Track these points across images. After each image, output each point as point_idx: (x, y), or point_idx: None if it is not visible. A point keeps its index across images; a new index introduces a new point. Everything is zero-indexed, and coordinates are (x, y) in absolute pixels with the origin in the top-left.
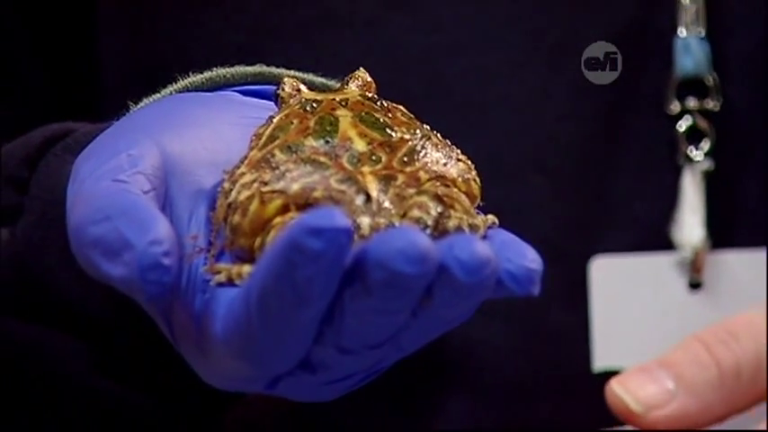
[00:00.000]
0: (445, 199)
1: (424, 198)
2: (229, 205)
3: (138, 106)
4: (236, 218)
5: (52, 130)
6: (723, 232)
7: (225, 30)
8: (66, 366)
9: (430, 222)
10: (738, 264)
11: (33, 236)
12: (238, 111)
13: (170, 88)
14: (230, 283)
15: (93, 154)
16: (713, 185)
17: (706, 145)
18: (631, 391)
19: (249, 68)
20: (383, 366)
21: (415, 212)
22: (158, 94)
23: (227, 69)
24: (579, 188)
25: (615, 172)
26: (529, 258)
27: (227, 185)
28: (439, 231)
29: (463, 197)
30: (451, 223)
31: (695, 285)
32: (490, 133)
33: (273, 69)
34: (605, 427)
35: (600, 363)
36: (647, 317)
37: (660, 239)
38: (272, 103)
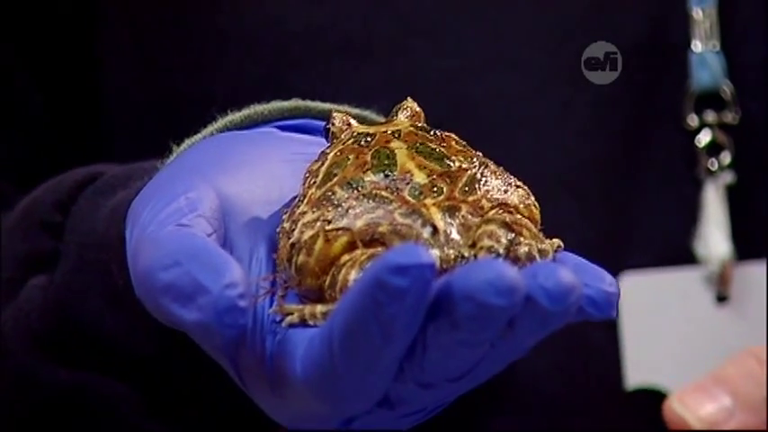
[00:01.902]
0: (513, 226)
1: (492, 226)
2: (293, 245)
3: (182, 147)
4: (302, 257)
5: (81, 173)
6: (746, 244)
7: (244, 62)
8: (114, 410)
9: (501, 250)
10: (763, 276)
11: (73, 281)
12: (285, 147)
13: (210, 128)
14: (303, 323)
15: (150, 198)
16: (734, 198)
17: (726, 158)
18: (691, 410)
19: (285, 104)
20: (457, 395)
21: (486, 241)
22: (200, 135)
23: (265, 106)
24: (604, 205)
25: (636, 188)
26: (607, 282)
27: (287, 225)
28: (510, 259)
29: (529, 223)
30: (522, 250)
31: (722, 298)
32: (515, 155)
33: (309, 103)
34: None
35: (633, 379)
36: (676, 332)
37: (683, 254)
38: (313, 137)
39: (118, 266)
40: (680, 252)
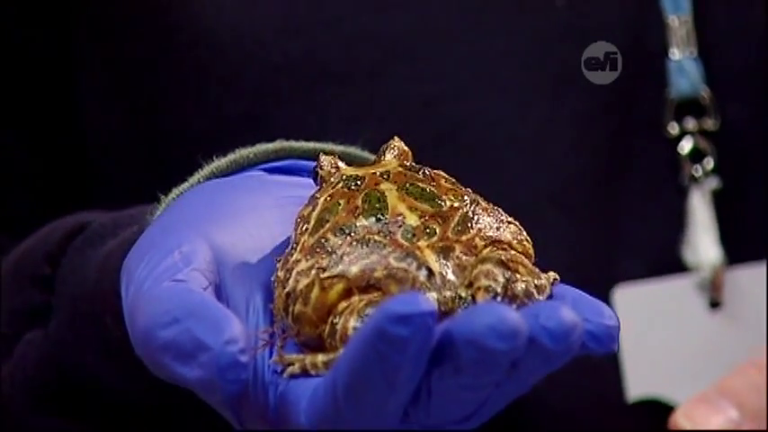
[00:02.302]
0: (509, 263)
1: (488, 265)
2: (288, 294)
3: (170, 197)
4: (299, 307)
5: (70, 223)
6: (736, 249)
7: (224, 99)
8: None
9: (499, 290)
10: (754, 279)
11: (67, 334)
12: (274, 192)
13: (197, 176)
14: (304, 373)
15: (143, 254)
16: (721, 203)
17: (709, 164)
18: (698, 424)
19: (270, 145)
20: None
21: (483, 281)
22: (187, 183)
23: (249, 149)
24: (591, 218)
25: (623, 199)
26: (606, 316)
27: (281, 274)
28: (508, 297)
29: (524, 259)
30: (519, 287)
31: (715, 304)
32: (499, 174)
33: (294, 143)
34: None
35: (633, 390)
36: (672, 340)
37: (672, 262)
38: (301, 178)
39: (112, 318)
40: (669, 260)
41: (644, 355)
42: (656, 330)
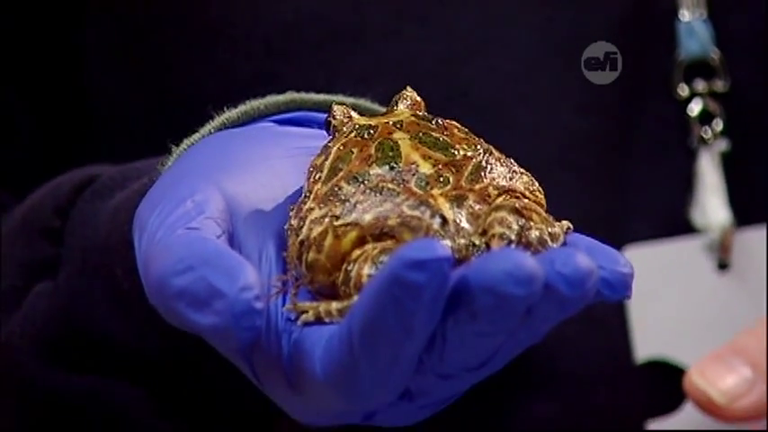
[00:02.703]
0: (523, 211)
1: (503, 213)
2: (302, 243)
3: (181, 147)
4: (312, 255)
5: (78, 177)
6: (744, 211)
7: (236, 57)
8: (125, 413)
9: (513, 237)
10: (762, 241)
11: (77, 286)
12: (285, 142)
13: (208, 126)
14: (318, 321)
15: (155, 203)
16: (729, 165)
17: (718, 126)
18: (712, 383)
19: (281, 97)
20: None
21: (498, 228)
22: (198, 134)
23: (260, 101)
24: (600, 179)
25: (631, 160)
26: (621, 263)
27: (294, 222)
28: (522, 244)
29: (538, 207)
30: (533, 234)
31: (723, 266)
32: (510, 133)
33: (304, 96)
34: (657, 413)
35: (641, 351)
36: (680, 302)
37: (681, 223)
38: (312, 129)
39: (123, 269)
40: (678, 222)
41: (652, 317)
42: (665, 292)
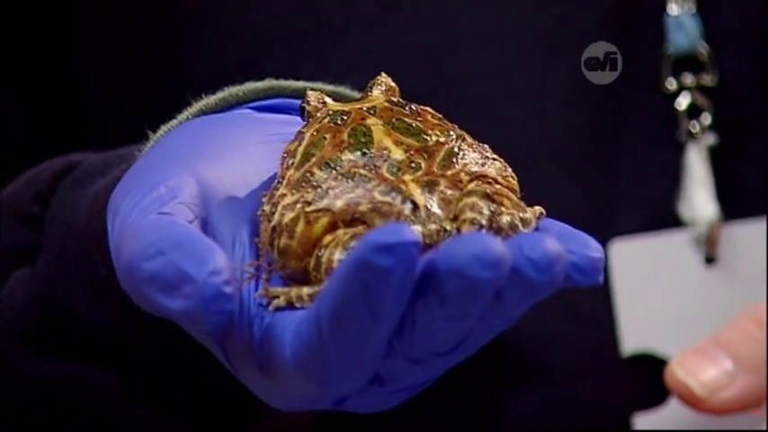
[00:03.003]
0: (494, 196)
1: (474, 198)
2: (274, 228)
3: (158, 134)
4: (284, 240)
5: (59, 164)
6: (732, 205)
7: (224, 48)
8: (102, 398)
9: (484, 222)
10: (750, 235)
11: (56, 272)
12: (261, 128)
13: (186, 113)
14: (290, 306)
15: (129, 188)
16: (717, 159)
17: (707, 120)
18: (693, 375)
19: (260, 84)
20: (446, 369)
21: (469, 213)
22: (175, 120)
23: (239, 87)
24: (587, 172)
25: (619, 153)
26: (592, 248)
27: (267, 208)
28: (493, 230)
29: (510, 193)
30: (505, 220)
31: (710, 260)
32: (497, 125)
33: (283, 82)
34: (643, 406)
35: (628, 344)
36: (667, 295)
37: (668, 217)
38: (289, 116)
39: (100, 256)
40: (665, 215)
41: (639, 310)
42: (652, 285)
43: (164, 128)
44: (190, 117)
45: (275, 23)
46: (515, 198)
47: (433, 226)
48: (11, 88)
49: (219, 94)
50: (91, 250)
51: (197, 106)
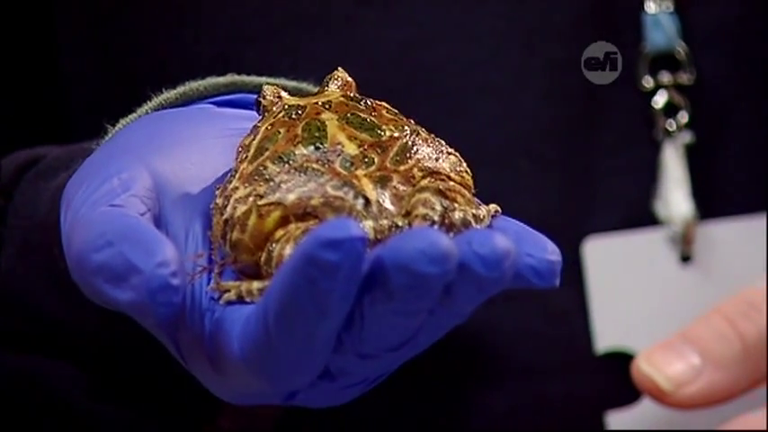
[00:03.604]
0: (447, 193)
1: (426, 194)
2: (226, 222)
3: (117, 127)
4: (236, 234)
5: (23, 157)
6: (708, 204)
7: (199, 41)
8: (63, 393)
9: (436, 218)
10: (726, 234)
11: (17, 265)
12: (219, 123)
13: (145, 107)
14: (240, 300)
15: (83, 180)
16: (693, 158)
17: (683, 118)
18: (659, 369)
19: (221, 79)
20: (398, 365)
21: (421, 209)
22: (134, 114)
23: (200, 82)
24: (563, 169)
25: (595, 151)
26: (549, 251)
27: (220, 201)
28: (446, 226)
29: (463, 189)
30: (457, 216)
31: (686, 258)
32: (472, 121)
33: (245, 78)
34: (616, 404)
35: (602, 342)
36: (642, 294)
37: (644, 215)
38: (249, 111)
39: (60, 249)
40: (641, 214)
41: (613, 308)
42: (627, 283)
43: (122, 121)
44: (149, 111)
45: (252, 17)
46: (469, 195)
47: (385, 221)
48: None
49: (180, 89)
50: (50, 243)
51: (157, 100)
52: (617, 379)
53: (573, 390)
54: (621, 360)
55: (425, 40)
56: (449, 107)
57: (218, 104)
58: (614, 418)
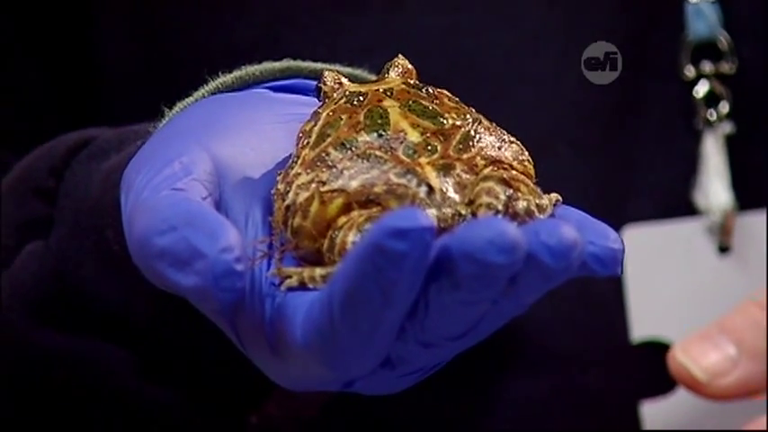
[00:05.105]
0: (511, 182)
1: (490, 183)
2: (288, 208)
3: (174, 111)
4: (298, 220)
5: (74, 138)
6: (746, 194)
7: (240, 24)
8: (112, 375)
9: (500, 207)
10: (764, 224)
11: (68, 247)
12: (276, 108)
13: (201, 90)
14: (302, 286)
15: (143, 163)
16: (734, 148)
17: (724, 108)
18: (695, 360)
19: (276, 64)
20: (457, 353)
21: (485, 198)
22: (191, 98)
23: (256, 67)
24: (603, 158)
25: (635, 140)
26: (611, 239)
27: (281, 187)
28: (509, 215)
29: (526, 179)
30: (521, 205)
31: (724, 249)
32: (513, 108)
33: (300, 63)
34: (651, 394)
35: (638, 331)
36: (679, 283)
37: (683, 205)
38: (305, 96)
39: (113, 232)
40: (680, 203)
41: (650, 297)
42: (664, 273)
43: (179, 105)
44: (206, 95)
45: (293, 1)
46: (531, 184)
47: (448, 210)
48: (31, 60)
49: (236, 73)
50: (103, 226)
51: (213, 84)
52: (652, 369)
53: (608, 379)
54: (657, 350)
55: (467, 27)
56: (489, 93)
57: (273, 89)
58: (649, 408)
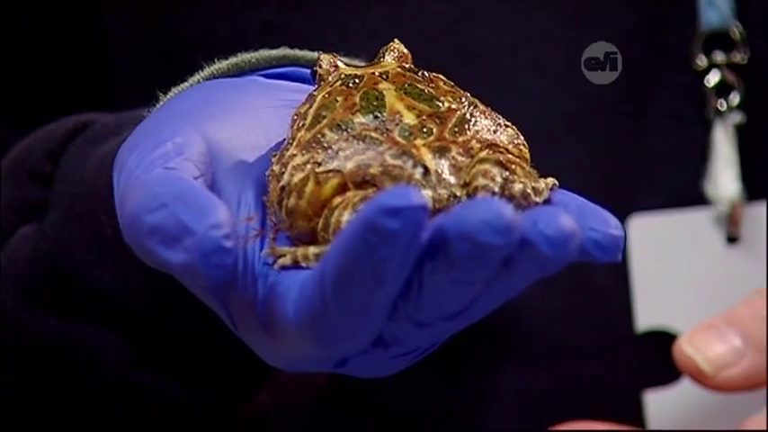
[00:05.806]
0: (507, 164)
1: (487, 165)
2: (282, 188)
3: (169, 95)
4: (292, 200)
5: (72, 122)
6: (756, 184)
7: (248, 8)
8: (101, 359)
9: (497, 189)
10: None
11: (63, 231)
12: (271, 94)
13: (197, 76)
14: (295, 265)
15: (136, 144)
16: (744, 138)
17: (735, 98)
18: (701, 351)
19: (273, 52)
20: (450, 335)
21: (481, 180)
22: (186, 83)
23: (252, 54)
24: (612, 147)
25: (645, 129)
26: (612, 225)
27: (276, 168)
28: (505, 197)
29: (522, 162)
30: (517, 187)
31: (732, 239)
32: (521, 97)
33: (297, 51)
34: (656, 384)
35: (643, 321)
36: (686, 273)
37: (692, 194)
38: (300, 84)
39: (107, 216)
40: (689, 193)
41: (656, 287)
42: (671, 262)
43: (174, 90)
44: (201, 80)
45: None
46: (527, 167)
47: (443, 191)
48: (40, 43)
49: (232, 60)
50: (97, 210)
51: (209, 70)
52: (657, 358)
53: (613, 368)
54: (663, 339)
55: (475, 15)
56: (497, 82)
57: (269, 77)
58: (653, 398)
